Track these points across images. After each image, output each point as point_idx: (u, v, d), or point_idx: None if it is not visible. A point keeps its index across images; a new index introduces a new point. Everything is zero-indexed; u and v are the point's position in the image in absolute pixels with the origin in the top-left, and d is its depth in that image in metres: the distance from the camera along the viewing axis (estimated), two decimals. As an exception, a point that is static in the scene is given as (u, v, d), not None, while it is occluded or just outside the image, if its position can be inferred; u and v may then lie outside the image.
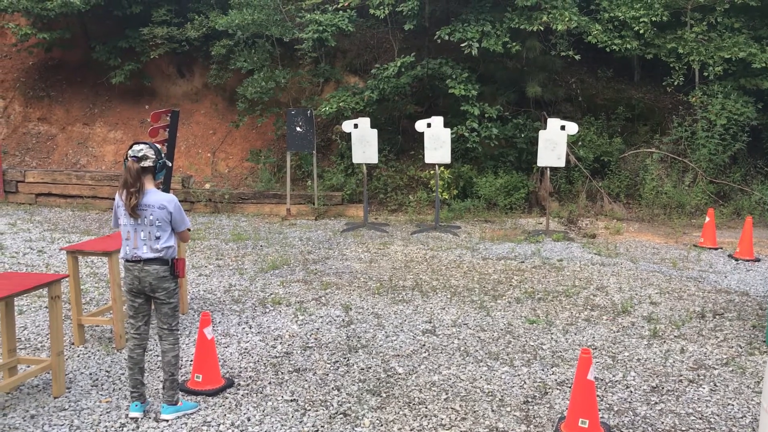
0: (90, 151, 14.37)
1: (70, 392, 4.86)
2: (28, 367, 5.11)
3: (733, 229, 10.73)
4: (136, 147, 4.39)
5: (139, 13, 13.93)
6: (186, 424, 4.40)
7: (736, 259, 8.84)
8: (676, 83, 12.23)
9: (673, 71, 12.23)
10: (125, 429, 4.33)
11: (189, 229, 4.69)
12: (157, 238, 4.38)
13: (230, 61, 13.35)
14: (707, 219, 9.58)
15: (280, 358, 5.52)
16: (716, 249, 9.41)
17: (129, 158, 4.35)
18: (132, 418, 4.49)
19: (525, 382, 5.07)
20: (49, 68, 15.54)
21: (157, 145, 4.47)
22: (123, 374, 5.18)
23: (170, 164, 4.62)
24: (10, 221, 11.10)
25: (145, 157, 4.36)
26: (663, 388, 4.99)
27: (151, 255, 4.37)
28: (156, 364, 5.36)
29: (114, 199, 4.43)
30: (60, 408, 4.62)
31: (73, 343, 5.79)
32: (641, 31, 11.85)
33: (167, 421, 4.44)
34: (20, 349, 5.70)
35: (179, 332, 4.62)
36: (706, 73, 12.00)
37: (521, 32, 11.77)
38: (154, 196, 4.39)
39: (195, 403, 4.65)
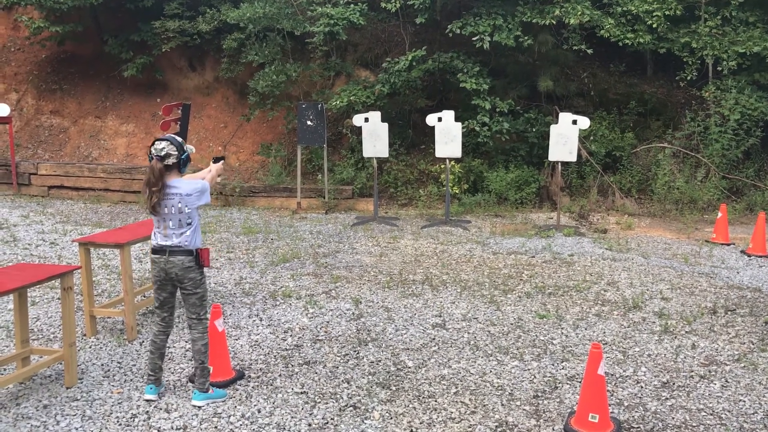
0: (102, 144, 14.44)
1: (82, 383, 4.90)
2: (41, 357, 5.16)
3: (746, 224, 10.66)
4: (158, 145, 4.42)
5: (151, 7, 13.96)
6: (197, 415, 4.42)
7: (749, 255, 8.78)
8: (689, 78, 12.13)
9: (687, 66, 12.13)
10: (136, 419, 4.37)
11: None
12: (189, 224, 4.48)
13: (241, 54, 13.36)
14: (719, 214, 9.51)
15: (291, 350, 5.54)
16: (728, 245, 9.35)
17: (153, 157, 4.41)
18: (147, 401, 4.59)
19: (535, 377, 5.07)
20: (61, 61, 15.61)
21: (179, 139, 4.49)
22: (134, 365, 5.22)
23: (193, 149, 4.69)
24: (23, 213, 11.18)
25: (167, 156, 4.42)
26: (674, 383, 4.97)
27: (178, 242, 4.45)
28: (168, 356, 5.39)
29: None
30: (72, 398, 4.66)
31: (85, 335, 5.84)
32: (654, 25, 11.75)
33: (198, 407, 4.53)
34: (33, 339, 5.75)
35: (208, 321, 4.69)
36: (719, 68, 11.90)
37: (533, 26, 11.71)
38: (181, 183, 4.49)
39: (224, 391, 4.72)
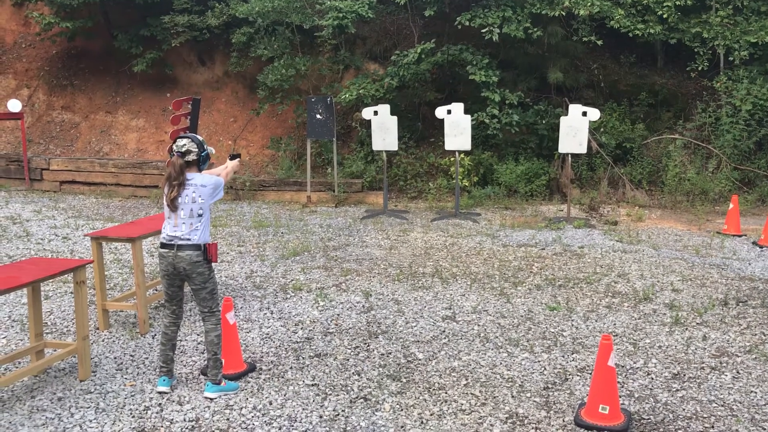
0: (113, 139, 14.52)
1: (95, 376, 4.95)
2: (55, 350, 5.21)
3: (758, 216, 10.59)
4: (179, 142, 4.57)
5: (159, 2, 13.99)
6: (209, 407, 4.46)
7: (761, 246, 8.73)
8: (700, 68, 12.04)
9: (698, 56, 12.04)
10: (149, 412, 4.41)
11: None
12: (200, 215, 4.55)
13: (250, 48, 13.38)
14: (731, 206, 9.46)
15: (301, 343, 5.57)
16: (740, 236, 9.30)
17: (174, 153, 4.54)
18: (160, 393, 4.64)
19: (545, 369, 5.07)
20: (72, 57, 15.69)
21: (199, 137, 4.64)
22: (147, 358, 5.26)
23: (213, 151, 4.79)
24: (35, 208, 11.27)
25: (188, 152, 4.56)
26: (684, 375, 4.97)
27: (188, 233, 4.50)
28: (180, 349, 5.43)
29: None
30: (86, 391, 4.71)
31: (97, 328, 5.89)
32: (665, 16, 11.67)
33: (211, 399, 4.57)
34: (47, 333, 5.81)
35: (220, 313, 4.74)
36: (731, 58, 11.80)
37: (543, 17, 11.65)
38: (197, 175, 4.60)
39: (237, 384, 4.77)
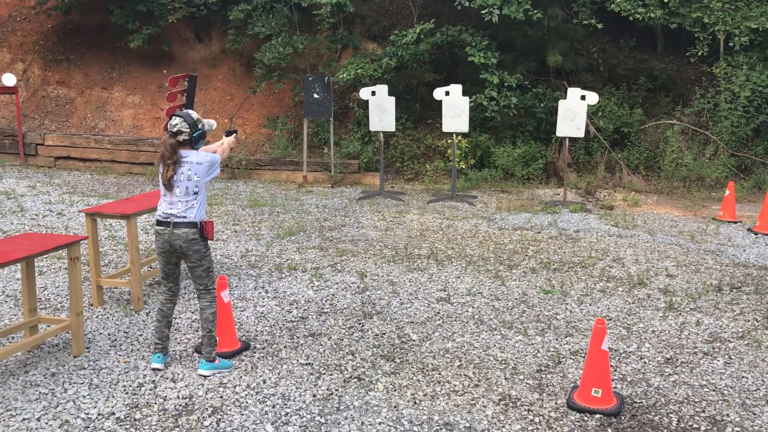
0: (108, 115, 14.42)
1: (89, 352, 4.95)
2: (49, 326, 5.20)
3: (754, 202, 10.60)
4: (172, 121, 4.54)
5: (157, -23, 13.84)
6: (203, 385, 4.47)
7: (756, 233, 8.75)
8: (700, 54, 11.98)
9: (698, 41, 11.96)
10: (143, 389, 4.41)
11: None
12: (195, 193, 4.52)
13: (248, 26, 13.26)
14: (727, 192, 9.47)
15: (296, 322, 5.57)
16: (735, 222, 9.31)
17: (167, 132, 4.52)
18: (154, 370, 4.66)
19: (539, 351, 5.09)
20: (67, 31, 15.53)
21: (194, 116, 4.57)
22: (141, 335, 5.26)
23: (215, 124, 4.74)
24: (29, 184, 11.22)
25: (179, 132, 4.51)
26: (677, 359, 4.99)
27: (183, 210, 4.48)
28: (175, 326, 5.43)
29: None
30: (79, 367, 4.71)
31: (91, 304, 5.88)
32: (666, 0, 11.59)
33: (205, 377, 4.58)
34: (40, 309, 5.80)
35: (216, 290, 4.74)
36: (731, 44, 11.74)
37: (543, -1, 11.58)
38: (193, 152, 4.56)
39: (230, 362, 4.77)
